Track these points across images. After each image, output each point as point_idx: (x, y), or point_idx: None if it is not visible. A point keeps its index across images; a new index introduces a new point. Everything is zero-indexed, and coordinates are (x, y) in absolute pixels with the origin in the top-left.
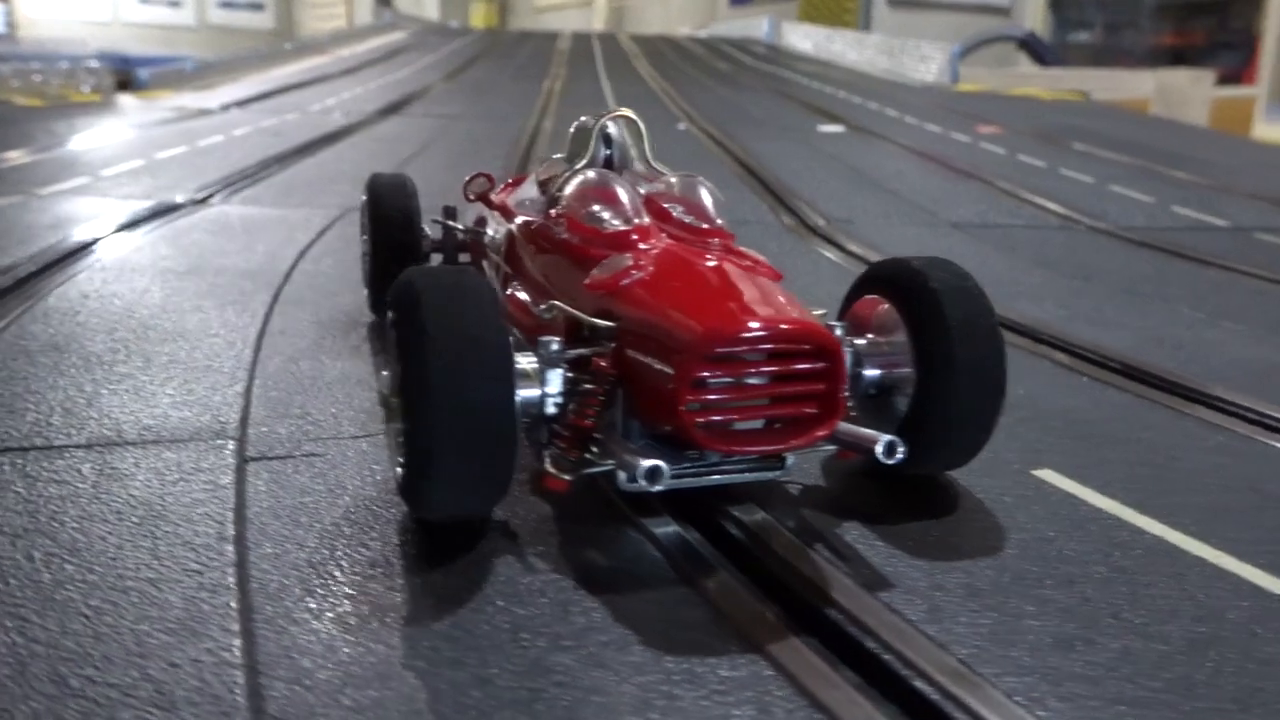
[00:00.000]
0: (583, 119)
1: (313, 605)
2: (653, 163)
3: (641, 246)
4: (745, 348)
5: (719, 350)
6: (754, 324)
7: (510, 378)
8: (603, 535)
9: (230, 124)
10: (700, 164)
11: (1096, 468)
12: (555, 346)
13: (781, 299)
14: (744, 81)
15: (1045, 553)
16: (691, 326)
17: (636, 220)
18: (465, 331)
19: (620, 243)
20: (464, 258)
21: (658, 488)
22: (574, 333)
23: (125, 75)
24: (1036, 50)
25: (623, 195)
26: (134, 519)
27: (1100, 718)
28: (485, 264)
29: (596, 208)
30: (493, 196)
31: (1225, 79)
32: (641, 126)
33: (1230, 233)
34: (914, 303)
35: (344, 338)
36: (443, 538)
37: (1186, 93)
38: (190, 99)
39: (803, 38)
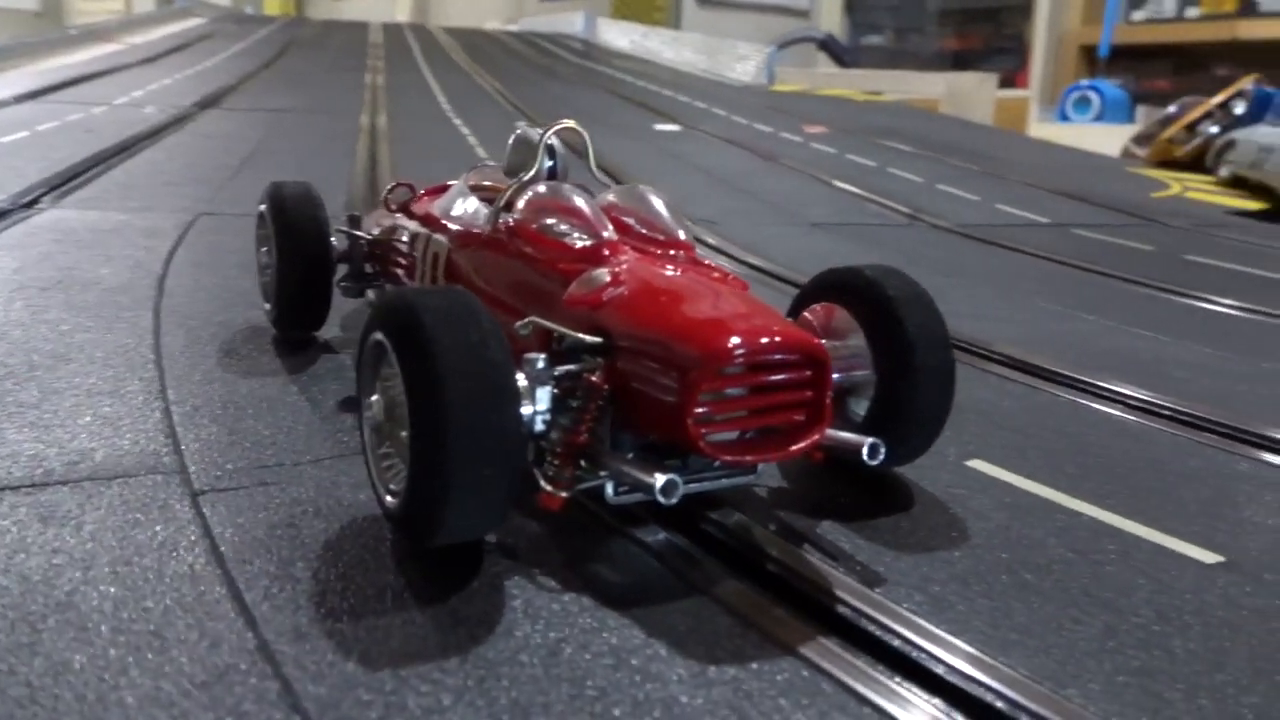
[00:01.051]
0: (523, 129)
1: (336, 644)
2: (596, 173)
3: (613, 260)
4: (747, 360)
5: (725, 364)
6: (757, 338)
7: (518, 397)
8: (601, 549)
9: (31, 118)
10: None
11: (1019, 456)
12: (541, 364)
13: (766, 310)
14: (570, 78)
15: (1007, 539)
16: (697, 341)
17: (605, 234)
18: (476, 353)
19: (592, 257)
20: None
21: (672, 500)
22: (545, 348)
23: None
24: (835, 52)
25: (586, 209)
26: (105, 566)
27: (1117, 691)
28: (401, 274)
29: (558, 221)
30: (413, 206)
31: (1002, 83)
32: (586, 137)
33: (1054, 229)
34: (872, 310)
35: (249, 356)
36: (441, 563)
37: (972, 94)
38: None
39: (619, 35)
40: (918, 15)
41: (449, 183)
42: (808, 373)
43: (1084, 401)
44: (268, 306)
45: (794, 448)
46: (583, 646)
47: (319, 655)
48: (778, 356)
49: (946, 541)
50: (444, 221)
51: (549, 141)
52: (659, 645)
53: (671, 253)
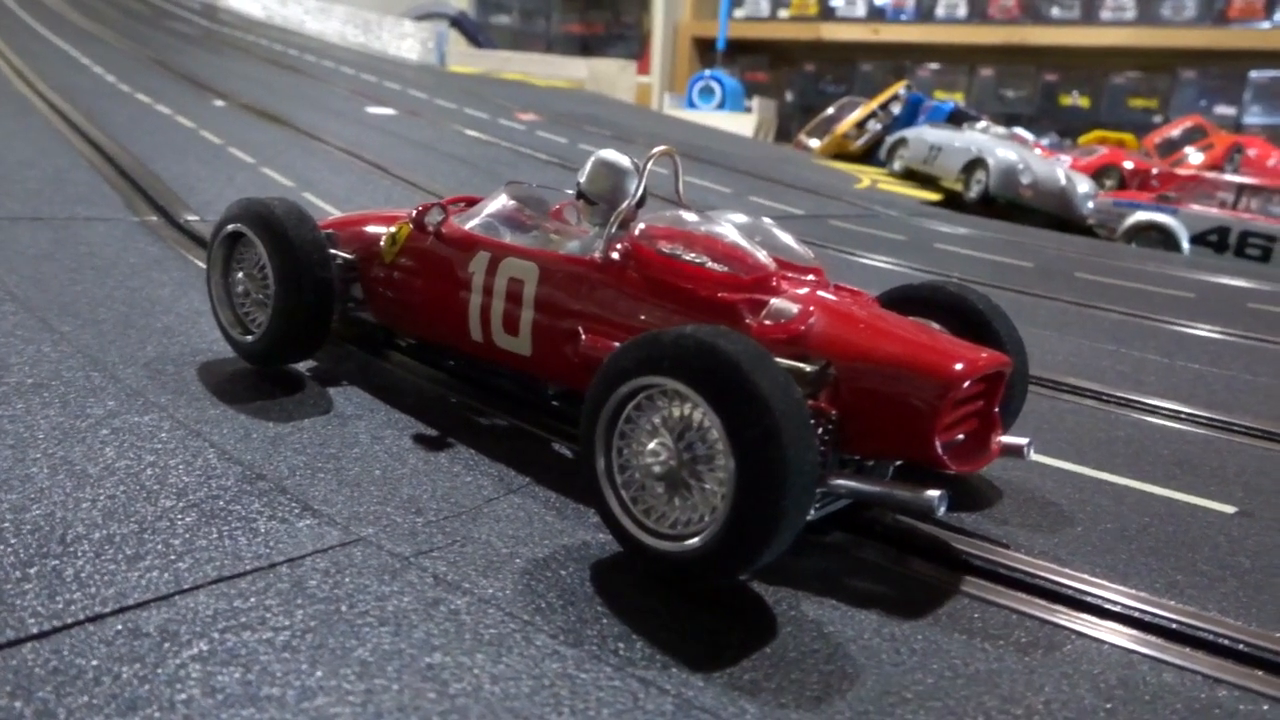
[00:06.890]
0: (608, 154)
1: (738, 694)
2: (683, 198)
3: (783, 290)
4: (976, 378)
5: (964, 385)
6: (979, 360)
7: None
8: (821, 560)
9: None
10: (295, 152)
11: (1055, 443)
12: None
13: (948, 334)
14: (223, 49)
15: (1100, 515)
16: (935, 367)
17: (766, 263)
18: (786, 392)
19: (762, 287)
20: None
21: (941, 511)
22: None
23: None
24: (468, 30)
25: (737, 238)
26: (420, 654)
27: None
28: (416, 301)
29: (703, 250)
30: (443, 229)
31: None
32: (678, 165)
33: (813, 220)
34: (967, 322)
35: (265, 401)
36: (716, 596)
37: (615, 79)
38: None
39: None
40: None
41: (460, 199)
42: (983, 385)
43: (1047, 395)
44: (250, 338)
45: (994, 450)
46: (909, 652)
47: (739, 710)
48: (990, 373)
49: (1067, 521)
50: (517, 245)
51: (637, 167)
52: (959, 639)
53: (811, 277)
